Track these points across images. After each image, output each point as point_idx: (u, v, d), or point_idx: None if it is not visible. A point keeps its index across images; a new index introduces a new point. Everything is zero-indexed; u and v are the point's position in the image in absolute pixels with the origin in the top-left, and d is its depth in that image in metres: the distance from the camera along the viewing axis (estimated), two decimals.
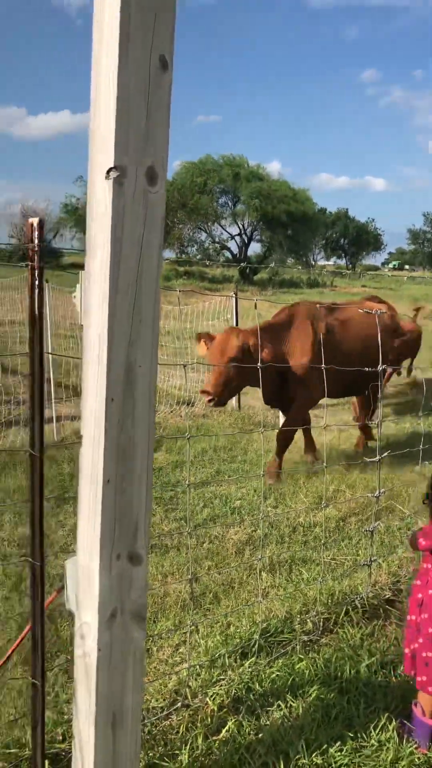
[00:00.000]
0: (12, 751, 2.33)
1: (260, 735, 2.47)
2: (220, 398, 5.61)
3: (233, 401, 8.47)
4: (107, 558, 1.82)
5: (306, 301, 6.76)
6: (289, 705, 2.63)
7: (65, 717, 2.52)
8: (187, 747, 2.39)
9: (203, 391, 5.66)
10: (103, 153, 1.64)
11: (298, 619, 3.22)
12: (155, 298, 1.80)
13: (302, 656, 2.94)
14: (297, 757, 2.35)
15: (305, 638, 3.11)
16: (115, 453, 1.78)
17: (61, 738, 2.40)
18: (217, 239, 50.09)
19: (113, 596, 1.86)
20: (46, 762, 2.19)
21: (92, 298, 1.73)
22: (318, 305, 5.98)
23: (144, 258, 1.74)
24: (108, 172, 1.63)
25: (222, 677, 2.79)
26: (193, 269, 43.03)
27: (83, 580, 1.88)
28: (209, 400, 5.61)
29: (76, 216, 39.94)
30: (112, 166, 1.63)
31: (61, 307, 14.71)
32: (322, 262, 79.84)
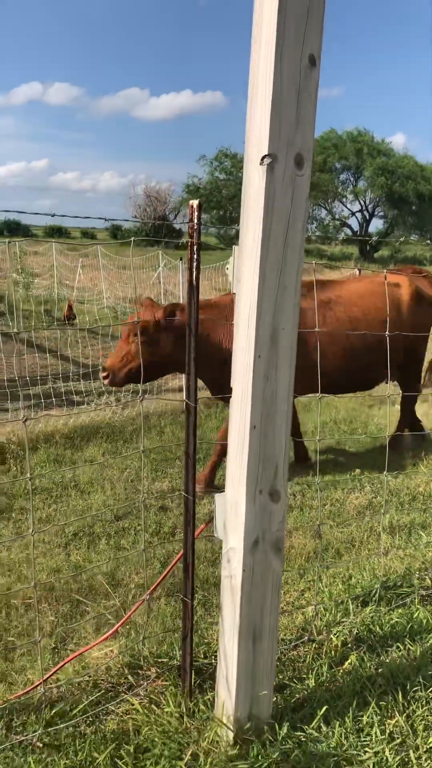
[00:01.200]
0: (162, 660, 2.71)
1: (380, 670, 2.71)
2: (115, 376, 4.90)
3: None
4: (252, 492, 2.13)
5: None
6: (407, 647, 2.85)
7: (205, 640, 2.87)
8: (313, 674, 2.68)
9: (103, 368, 5.08)
10: (258, 142, 1.91)
11: (417, 575, 3.42)
12: (298, 270, 2.06)
13: (419, 608, 3.14)
14: (414, 689, 2.58)
15: (423, 593, 3.30)
16: (260, 402, 2.07)
17: (203, 656, 2.76)
18: (337, 216, 49.38)
19: (256, 526, 2.16)
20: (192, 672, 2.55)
21: (244, 269, 2.02)
22: None
23: (290, 234, 2.00)
24: (262, 159, 1.90)
25: (344, 619, 3.05)
26: (311, 247, 42.75)
27: (230, 512, 2.19)
28: (104, 377, 4.99)
29: (198, 196, 40.68)
30: (266, 153, 1.89)
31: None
32: None
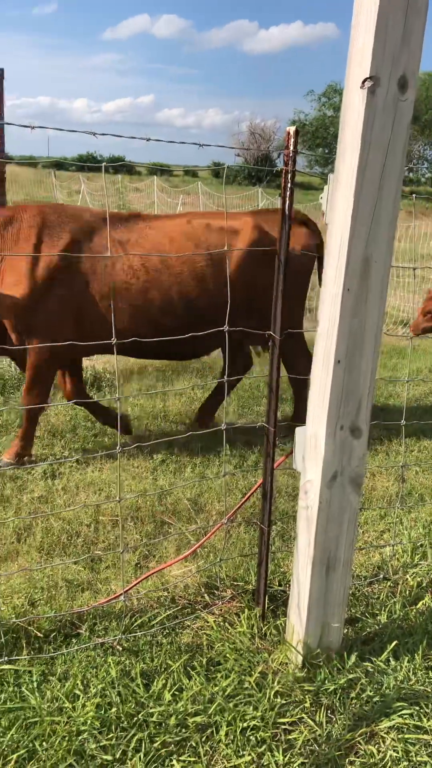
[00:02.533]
0: (238, 583, 2.81)
1: None
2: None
3: None
4: (332, 427, 2.13)
5: (50, 204, 5.00)
6: None
7: (281, 569, 2.95)
8: (386, 610, 2.70)
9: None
10: (359, 64, 1.83)
11: None
12: (395, 201, 1.99)
13: None
14: None
15: None
16: (346, 336, 2.05)
17: (277, 583, 2.84)
18: (429, 156, 46.70)
19: (335, 460, 2.17)
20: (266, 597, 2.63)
21: (338, 197, 1.97)
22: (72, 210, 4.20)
23: (388, 163, 1.93)
24: (363, 81, 1.83)
25: (421, 562, 3.04)
26: (420, 189, 40.72)
27: (310, 444, 2.21)
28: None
29: (304, 133, 39.36)
30: (367, 76, 1.82)
31: None
32: None
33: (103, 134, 2.04)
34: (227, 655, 2.44)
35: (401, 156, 1.96)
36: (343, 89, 1.93)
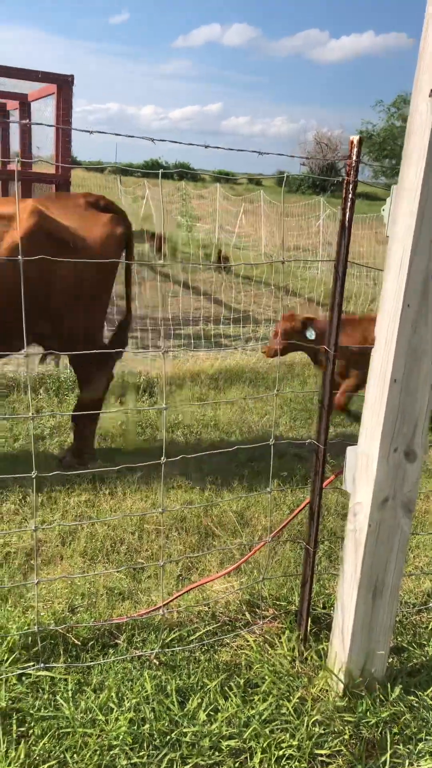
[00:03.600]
0: (280, 603, 2.73)
1: None
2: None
3: None
4: (386, 449, 2.04)
5: None
6: None
7: (326, 590, 2.85)
8: None
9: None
10: (428, 72, 1.75)
11: None
12: None
13: None
14: None
15: None
16: (404, 354, 1.96)
17: (321, 606, 2.74)
18: None
19: (387, 483, 2.08)
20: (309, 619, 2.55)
21: (401, 210, 1.88)
22: None
23: None
24: (431, 92, 1.74)
25: None
26: None
27: (361, 466, 2.12)
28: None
29: (371, 143, 38.88)
30: None
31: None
32: None
33: (162, 140, 2.02)
34: (266, 677, 2.36)
35: None
36: (411, 101, 1.85)
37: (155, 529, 3.38)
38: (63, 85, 7.22)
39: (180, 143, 2.22)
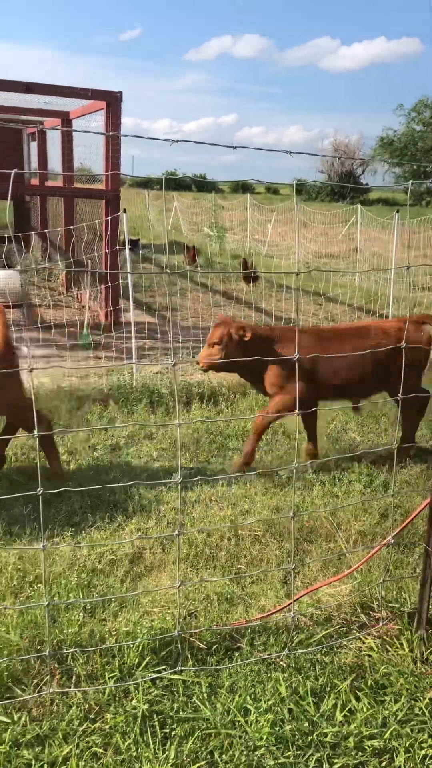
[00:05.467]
0: (394, 605, 2.75)
1: None
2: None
3: None
4: None
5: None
6: None
7: None
8: None
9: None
10: None
11: None
12: None
13: None
14: None
15: None
16: None
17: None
18: None
19: None
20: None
21: None
22: None
23: None
24: None
25: None
26: None
27: None
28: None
29: (392, 149, 38.76)
30: None
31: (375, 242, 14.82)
32: None
33: (177, 141, 2.11)
34: (392, 678, 2.39)
35: None
36: None
37: (250, 534, 3.42)
38: (112, 101, 7.36)
39: (193, 142, 2.27)
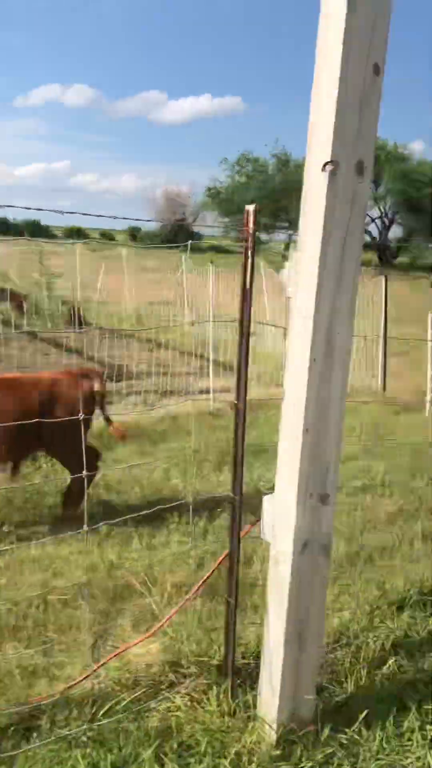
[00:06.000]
0: (202, 659, 2.73)
1: (419, 675, 2.71)
2: None
3: (379, 382, 8.59)
4: (303, 495, 2.15)
5: None
6: None
7: (242, 640, 2.89)
8: (352, 677, 2.68)
9: None
10: (320, 149, 1.93)
11: None
12: (355, 274, 2.08)
13: None
14: None
15: None
16: (314, 405, 2.09)
17: (241, 656, 2.77)
18: None
19: (306, 528, 2.18)
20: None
21: (302, 273, 2.04)
22: None
23: (348, 239, 2.02)
24: (324, 165, 1.93)
25: (381, 625, 3.05)
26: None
27: (280, 514, 2.21)
28: None
29: (219, 199, 40.64)
30: (328, 160, 1.92)
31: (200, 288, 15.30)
32: None
33: (10, 206, 2.08)
34: (199, 737, 2.34)
35: (360, 233, 2.06)
36: (303, 172, 2.02)
37: (60, 600, 3.27)
38: None
39: (30, 209, 2.26)
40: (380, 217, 48.12)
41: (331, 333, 2.06)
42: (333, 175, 1.93)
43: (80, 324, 11.15)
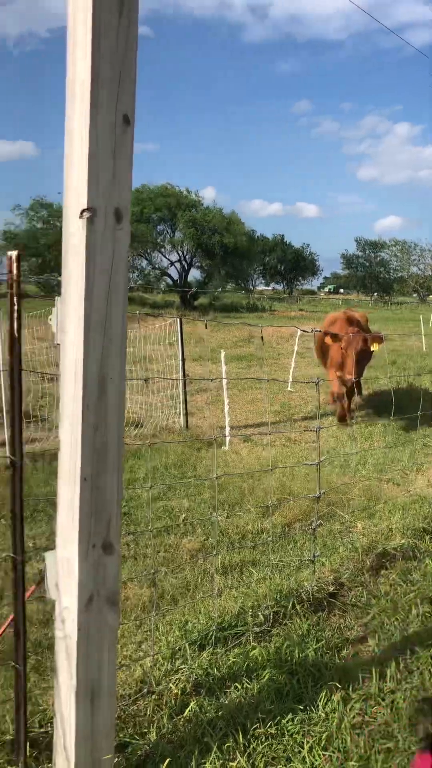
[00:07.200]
0: None
1: (220, 713, 2.72)
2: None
3: (182, 420, 8.76)
4: (84, 548, 2.08)
5: None
6: (245, 686, 2.89)
7: (40, 707, 2.72)
8: (155, 726, 2.63)
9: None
10: (76, 197, 1.93)
11: (250, 613, 3.50)
12: (123, 319, 2.08)
13: (255, 645, 3.21)
14: (254, 727, 2.61)
15: (257, 630, 3.39)
16: (90, 453, 2.05)
17: (38, 725, 2.60)
18: (157, 266, 50.48)
19: (90, 582, 2.11)
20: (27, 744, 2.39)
21: (68, 320, 2.01)
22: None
23: (113, 285, 2.03)
24: (82, 212, 1.93)
25: (183, 666, 3.03)
26: (133, 295, 43.32)
27: (63, 569, 2.12)
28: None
29: (17, 244, 39.61)
30: (85, 207, 1.92)
31: None
32: (261, 287, 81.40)
33: None
34: None
35: (124, 278, 2.07)
36: (62, 220, 2.00)
37: None
38: None
39: None
40: (179, 261, 49.85)
41: (103, 379, 2.04)
42: (91, 222, 1.93)
43: None
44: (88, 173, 1.90)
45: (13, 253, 2.15)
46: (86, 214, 1.92)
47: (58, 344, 2.08)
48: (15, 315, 2.17)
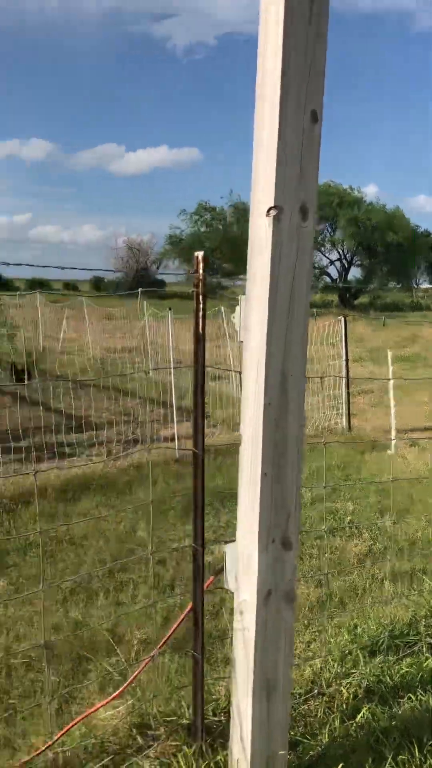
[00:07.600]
0: (171, 719, 2.62)
1: (394, 722, 2.64)
2: None
3: (344, 421, 8.63)
4: (264, 542, 2.10)
5: None
6: (419, 698, 2.79)
7: (213, 696, 2.79)
8: (326, 729, 2.60)
9: None
10: (264, 195, 1.95)
11: (423, 623, 3.37)
12: (305, 317, 2.08)
13: (429, 656, 3.08)
14: (430, 742, 2.51)
15: (431, 640, 3.25)
16: (271, 449, 2.07)
17: (211, 713, 2.67)
18: (316, 265, 50.11)
19: (269, 577, 2.13)
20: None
21: (252, 318, 2.04)
22: None
23: (296, 284, 2.03)
24: (268, 211, 1.94)
25: (353, 671, 2.98)
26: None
27: (242, 563, 2.16)
28: None
29: (180, 247, 41.13)
30: (272, 205, 1.94)
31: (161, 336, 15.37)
32: (425, 285, 78.31)
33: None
34: None
35: (307, 276, 2.07)
36: (249, 218, 2.04)
37: (23, 663, 3.14)
38: None
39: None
40: (339, 260, 49.21)
41: (284, 376, 2.06)
42: (277, 220, 1.95)
43: (29, 377, 11.06)
44: (276, 171, 1.91)
45: (200, 254, 2.23)
46: (273, 212, 1.94)
47: (242, 342, 2.12)
48: (201, 314, 2.24)
